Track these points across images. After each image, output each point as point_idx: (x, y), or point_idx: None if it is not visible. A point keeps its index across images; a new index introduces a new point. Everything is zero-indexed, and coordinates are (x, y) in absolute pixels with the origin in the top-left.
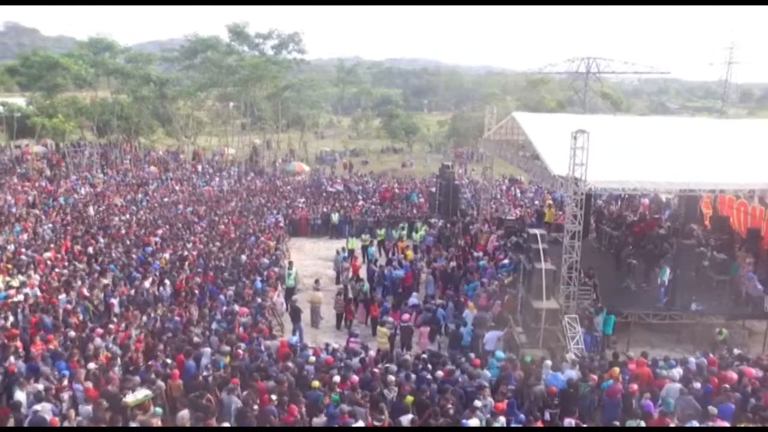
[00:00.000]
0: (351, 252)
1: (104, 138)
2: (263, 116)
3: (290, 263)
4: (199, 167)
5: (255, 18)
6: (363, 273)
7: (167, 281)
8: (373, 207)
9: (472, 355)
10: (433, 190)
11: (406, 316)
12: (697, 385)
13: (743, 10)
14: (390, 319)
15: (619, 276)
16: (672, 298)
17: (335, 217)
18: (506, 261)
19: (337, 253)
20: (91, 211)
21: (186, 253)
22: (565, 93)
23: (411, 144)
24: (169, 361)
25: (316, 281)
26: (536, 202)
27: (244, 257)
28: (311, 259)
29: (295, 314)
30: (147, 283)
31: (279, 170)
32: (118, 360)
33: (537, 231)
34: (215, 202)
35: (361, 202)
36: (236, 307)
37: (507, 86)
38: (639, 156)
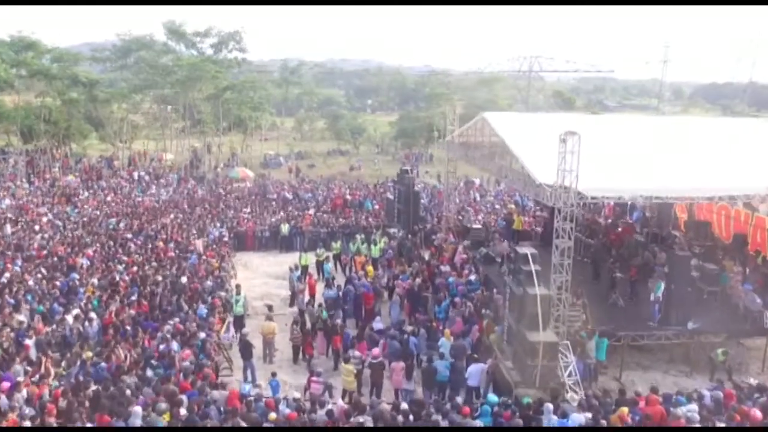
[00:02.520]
0: (305, 269)
1: (31, 144)
2: (203, 119)
3: (238, 287)
4: (135, 174)
5: (192, 18)
6: (319, 293)
7: (94, 315)
8: (325, 216)
9: (459, 400)
10: (390, 196)
11: (376, 351)
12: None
13: (673, 11)
14: (356, 353)
15: (600, 290)
16: (666, 316)
17: (285, 229)
18: (473, 277)
19: (291, 270)
20: (8, 229)
21: (117, 277)
22: (509, 92)
23: (358, 145)
24: (90, 425)
25: (269, 308)
26: (497, 207)
27: (184, 279)
28: (260, 277)
29: (246, 350)
30: (70, 318)
31: (221, 177)
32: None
33: (527, 250)
34: (152, 215)
35: (311, 211)
36: (175, 346)
37: (451, 86)
38: (626, 159)
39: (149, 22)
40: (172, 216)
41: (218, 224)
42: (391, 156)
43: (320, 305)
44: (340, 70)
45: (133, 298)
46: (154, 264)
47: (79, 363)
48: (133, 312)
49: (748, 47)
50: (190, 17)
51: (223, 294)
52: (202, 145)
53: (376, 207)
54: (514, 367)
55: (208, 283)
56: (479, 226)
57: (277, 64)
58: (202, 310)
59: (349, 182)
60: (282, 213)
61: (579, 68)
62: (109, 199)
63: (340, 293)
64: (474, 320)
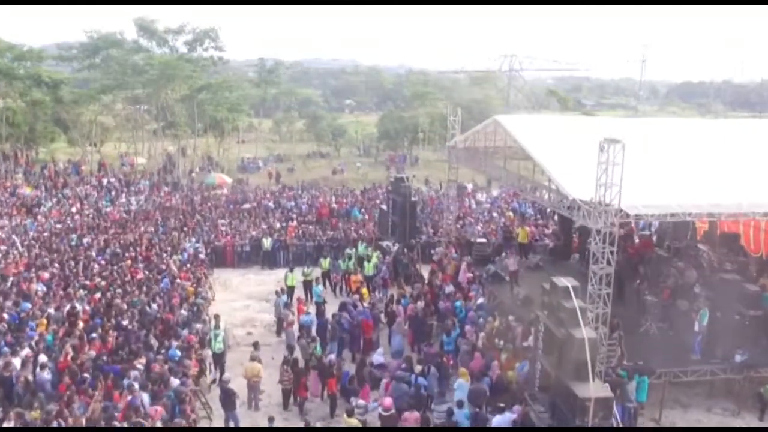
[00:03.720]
0: (291, 290)
1: None
2: (177, 121)
3: (217, 318)
4: (105, 181)
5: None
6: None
7: (45, 358)
8: (311, 228)
9: None
10: (383, 206)
11: (387, 402)
12: None
13: (645, 11)
14: (361, 402)
15: (626, 313)
16: (710, 348)
17: (267, 243)
18: (481, 300)
19: (277, 295)
20: None
21: (78, 307)
22: (488, 91)
23: (338, 147)
24: None
25: (255, 346)
26: (494, 214)
27: (155, 307)
28: (241, 299)
29: (228, 400)
30: (18, 362)
31: (196, 183)
32: None
33: (566, 281)
34: (120, 228)
35: (294, 222)
36: (146, 398)
37: (430, 84)
38: (660, 168)
39: (120, 19)
40: (142, 229)
41: (193, 239)
42: (373, 158)
43: (313, 338)
44: (316, 69)
45: (95, 334)
46: (120, 290)
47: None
48: (93, 353)
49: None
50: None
51: (199, 327)
52: (176, 149)
53: (365, 216)
54: (553, 420)
55: (183, 312)
56: (483, 240)
57: (251, 64)
58: (175, 351)
59: (334, 187)
60: (263, 225)
61: (560, 67)
62: (74, 209)
63: (329, 321)
64: (491, 355)
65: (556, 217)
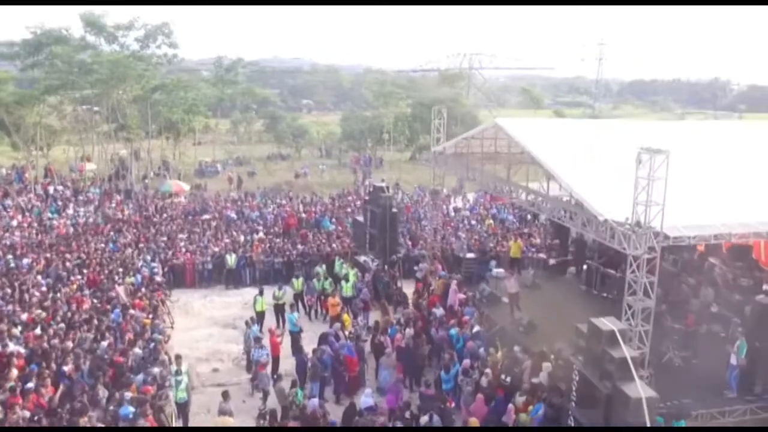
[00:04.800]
0: (261, 316)
1: None
2: (129, 123)
3: (178, 360)
4: (51, 189)
5: (113, 11)
6: (285, 353)
7: None
8: (279, 242)
9: None
10: (359, 218)
11: None
12: None
13: (598, 11)
14: None
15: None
16: (747, 383)
17: (231, 260)
18: (478, 328)
19: (246, 325)
20: None
21: (10, 347)
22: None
23: (299, 149)
24: None
25: (224, 396)
26: (473, 222)
27: (105, 345)
28: (204, 326)
29: None
30: None
31: (151, 190)
32: None
33: (609, 323)
34: (66, 245)
35: (260, 234)
36: None
37: (388, 83)
38: (693, 179)
39: (65, 14)
40: (92, 246)
41: (148, 256)
42: (337, 160)
43: (293, 382)
44: (273, 69)
45: (31, 384)
46: (63, 325)
47: None
48: (27, 413)
49: (676, 46)
50: (111, 10)
51: (157, 372)
52: (129, 152)
53: (337, 227)
54: None
55: (137, 351)
56: (472, 255)
57: (206, 63)
58: (128, 408)
59: (299, 194)
60: (226, 238)
61: (521, 65)
62: (14, 223)
63: (309, 359)
64: (502, 397)
65: (531, 219)
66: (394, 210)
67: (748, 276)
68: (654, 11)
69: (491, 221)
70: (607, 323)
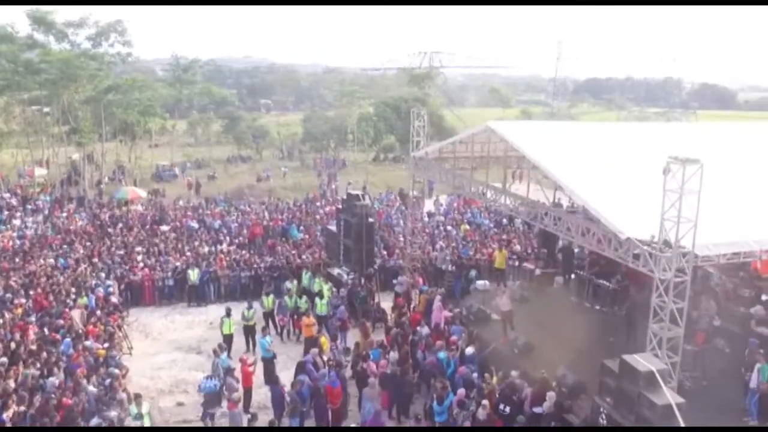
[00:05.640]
0: (229, 340)
1: None
2: (81, 126)
3: (138, 399)
4: None
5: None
6: (258, 382)
7: None
8: (245, 254)
9: None
10: (331, 227)
11: None
12: None
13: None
14: None
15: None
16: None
17: (194, 275)
18: (470, 350)
19: (215, 353)
20: None
21: None
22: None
23: (260, 150)
24: None
25: None
26: (450, 228)
27: (53, 382)
28: (166, 351)
29: None
30: None
31: (106, 197)
32: None
33: (647, 363)
34: (10, 262)
35: (224, 245)
36: None
37: (345, 82)
38: (715, 189)
39: (10, 11)
40: (40, 263)
41: (103, 273)
42: (299, 162)
43: (270, 423)
44: (229, 68)
45: None
46: (5, 359)
47: None
48: None
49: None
50: (60, 8)
51: (114, 415)
52: (81, 155)
53: (305, 236)
54: None
55: (91, 389)
56: (453, 269)
57: (162, 62)
58: None
59: (261, 198)
60: (187, 250)
61: (481, 64)
62: None
63: (284, 390)
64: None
65: (508, 223)
66: (371, 220)
67: (749, 286)
68: (607, 11)
69: (467, 226)
70: (643, 361)
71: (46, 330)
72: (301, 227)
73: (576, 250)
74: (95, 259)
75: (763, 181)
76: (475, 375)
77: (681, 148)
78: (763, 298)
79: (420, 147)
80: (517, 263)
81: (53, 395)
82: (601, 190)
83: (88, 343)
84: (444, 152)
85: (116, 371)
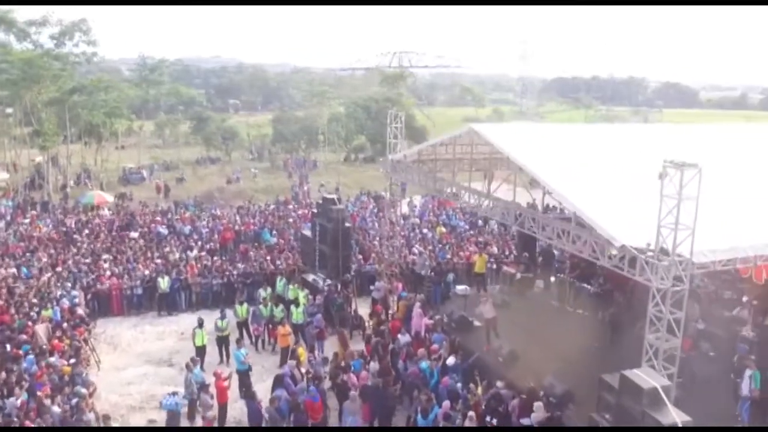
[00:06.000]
0: (202, 352)
1: None
2: (45, 128)
3: (107, 421)
4: None
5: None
6: (233, 396)
7: None
8: (216, 260)
9: None
10: (306, 232)
11: None
12: None
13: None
14: None
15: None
16: (761, 414)
17: (164, 283)
18: (452, 359)
19: (188, 368)
20: None
21: None
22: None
23: (229, 152)
24: None
25: None
26: (425, 231)
27: (15, 402)
28: (135, 364)
29: None
30: None
31: (71, 202)
32: None
33: (650, 379)
34: None
35: (195, 252)
36: None
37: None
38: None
39: None
40: (1, 272)
41: (68, 283)
42: (269, 163)
43: None
44: (197, 68)
45: None
46: None
47: None
48: None
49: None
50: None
51: None
52: (45, 158)
53: (279, 240)
54: None
55: (55, 410)
56: (432, 274)
57: (127, 62)
58: None
59: (230, 200)
60: (157, 258)
61: (449, 63)
62: None
63: (261, 406)
64: None
65: (483, 224)
66: (347, 224)
67: (731, 288)
68: (573, 11)
69: (443, 228)
70: (645, 377)
71: (7, 346)
72: (274, 231)
73: (556, 253)
74: (60, 268)
75: (751, 183)
76: (459, 385)
77: (667, 151)
78: (744, 299)
79: (398, 149)
80: (494, 266)
81: (14, 417)
82: (590, 195)
83: (52, 359)
84: (423, 155)
85: (83, 390)
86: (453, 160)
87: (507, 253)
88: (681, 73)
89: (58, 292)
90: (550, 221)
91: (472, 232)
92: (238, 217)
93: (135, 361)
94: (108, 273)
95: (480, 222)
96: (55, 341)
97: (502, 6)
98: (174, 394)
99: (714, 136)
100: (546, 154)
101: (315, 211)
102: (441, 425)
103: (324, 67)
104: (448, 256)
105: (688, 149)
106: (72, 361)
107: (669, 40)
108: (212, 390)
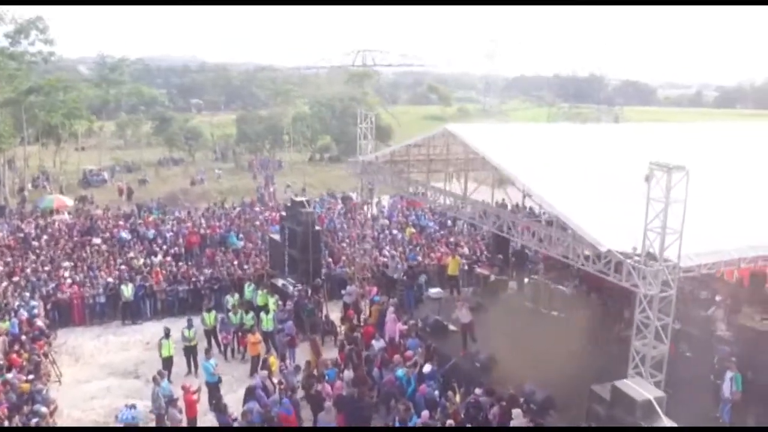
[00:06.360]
0: (169, 363)
1: None
2: (0, 130)
3: None
4: None
5: None
6: (203, 409)
7: None
8: (182, 265)
9: None
10: (275, 236)
11: None
12: None
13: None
14: None
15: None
16: (741, 416)
17: (127, 290)
18: (429, 366)
19: (155, 381)
20: None
21: None
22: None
23: (193, 152)
24: None
25: None
26: (395, 232)
27: None
28: (100, 377)
29: None
30: None
31: (29, 206)
32: None
33: (643, 391)
34: None
35: (160, 257)
36: None
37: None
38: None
39: None
40: None
41: (27, 293)
42: (234, 163)
43: None
44: (158, 67)
45: None
46: None
47: None
48: None
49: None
50: None
51: None
52: (1, 162)
53: (248, 243)
54: None
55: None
56: (405, 278)
57: (86, 61)
58: None
59: (194, 202)
60: (121, 265)
61: (414, 62)
62: None
63: (231, 420)
64: None
65: (452, 224)
66: (317, 228)
67: (706, 288)
68: (534, 11)
69: (412, 229)
70: (638, 389)
71: None
72: (241, 235)
73: (529, 254)
74: (17, 277)
75: (729, 183)
76: (436, 393)
77: (643, 151)
78: (717, 298)
79: (368, 150)
80: (466, 267)
81: None
82: (570, 197)
83: (9, 375)
84: (396, 155)
85: (43, 409)
86: (426, 161)
87: (478, 253)
88: (639, 71)
89: (16, 303)
90: (531, 225)
91: (442, 232)
92: (203, 220)
93: (98, 373)
94: (69, 281)
95: (449, 222)
96: (13, 356)
97: (464, 6)
98: (132, 407)
99: (687, 135)
100: (523, 155)
101: (283, 214)
102: None
103: (288, 65)
104: (419, 258)
105: (664, 149)
106: (31, 377)
107: (628, 39)
108: (181, 404)
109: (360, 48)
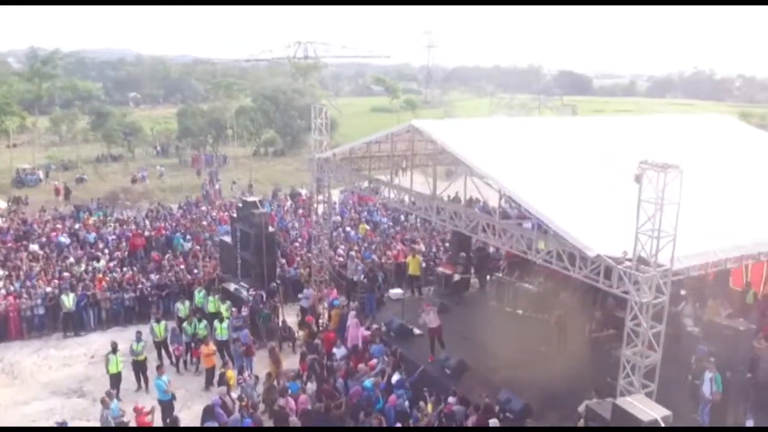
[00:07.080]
0: (117, 380)
1: None
2: None
3: None
4: None
5: None
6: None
7: None
8: (126, 270)
9: None
10: (225, 238)
11: None
12: None
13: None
14: None
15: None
16: (720, 416)
17: (68, 300)
18: (397, 375)
19: (103, 404)
20: None
21: None
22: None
23: (132, 148)
24: None
25: None
26: (348, 230)
27: None
28: (41, 396)
29: None
30: None
31: None
32: None
33: (651, 411)
34: None
35: (102, 262)
36: None
37: (221, 74)
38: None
39: None
40: None
41: None
42: (176, 159)
43: None
44: (92, 60)
45: None
46: None
47: None
48: None
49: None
50: None
51: None
52: None
53: (194, 246)
54: None
55: None
56: (365, 280)
57: (17, 54)
58: None
59: (136, 201)
60: (61, 273)
61: (357, 54)
62: None
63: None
64: None
65: (405, 220)
66: (271, 229)
67: (675, 283)
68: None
69: (366, 226)
70: (642, 407)
71: None
72: (188, 236)
73: (491, 251)
74: None
75: (708, 180)
76: (406, 404)
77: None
78: (682, 293)
79: (323, 146)
80: (425, 265)
81: None
82: (552, 198)
83: None
84: (355, 152)
85: None
86: (389, 157)
87: (435, 250)
88: (575, 62)
89: None
90: (515, 230)
91: (396, 228)
92: (147, 221)
93: (40, 393)
94: (3, 292)
95: (402, 217)
96: None
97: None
98: (63, 423)
99: (652, 128)
100: (497, 153)
101: (234, 215)
102: None
103: (226, 58)
104: (374, 257)
105: (637, 145)
106: None
107: (564, 31)
108: (132, 425)
109: (300, 40)
